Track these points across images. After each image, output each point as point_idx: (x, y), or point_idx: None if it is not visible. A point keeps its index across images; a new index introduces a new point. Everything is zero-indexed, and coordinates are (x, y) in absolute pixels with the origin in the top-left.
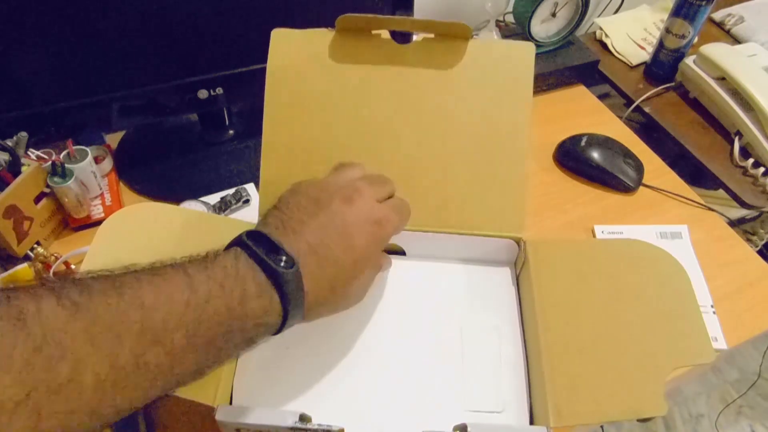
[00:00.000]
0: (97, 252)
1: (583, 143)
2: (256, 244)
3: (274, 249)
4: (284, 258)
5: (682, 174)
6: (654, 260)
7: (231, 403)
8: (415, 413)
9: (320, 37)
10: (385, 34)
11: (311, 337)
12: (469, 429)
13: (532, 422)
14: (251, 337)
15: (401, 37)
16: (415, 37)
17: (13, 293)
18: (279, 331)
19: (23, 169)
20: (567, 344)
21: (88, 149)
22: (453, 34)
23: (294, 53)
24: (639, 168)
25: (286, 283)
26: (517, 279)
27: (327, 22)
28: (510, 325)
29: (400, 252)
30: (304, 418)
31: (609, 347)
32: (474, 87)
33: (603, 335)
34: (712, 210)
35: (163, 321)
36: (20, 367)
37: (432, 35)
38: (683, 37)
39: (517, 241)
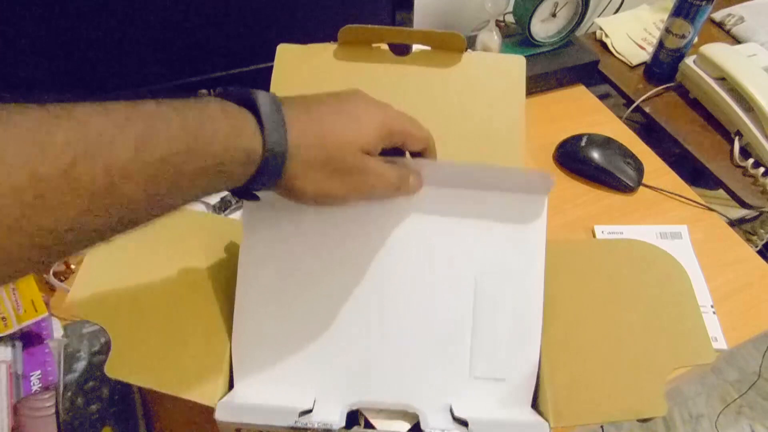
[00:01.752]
0: (96, 251)
1: (583, 143)
2: (225, 89)
3: (246, 90)
4: (260, 94)
5: (682, 174)
6: (654, 260)
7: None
8: (418, 381)
9: (323, 51)
10: (384, 46)
11: (311, 323)
12: (470, 427)
13: (536, 393)
14: (222, 164)
15: (400, 50)
16: (413, 49)
17: None
18: (264, 170)
19: None
20: (567, 344)
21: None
22: (448, 46)
23: (298, 66)
24: (639, 168)
25: (260, 103)
26: None
27: (327, 23)
28: (531, 271)
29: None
30: (304, 413)
31: (609, 347)
32: (470, 95)
33: (603, 335)
34: (712, 210)
35: (99, 133)
36: None
37: (428, 48)
38: (683, 37)
39: None
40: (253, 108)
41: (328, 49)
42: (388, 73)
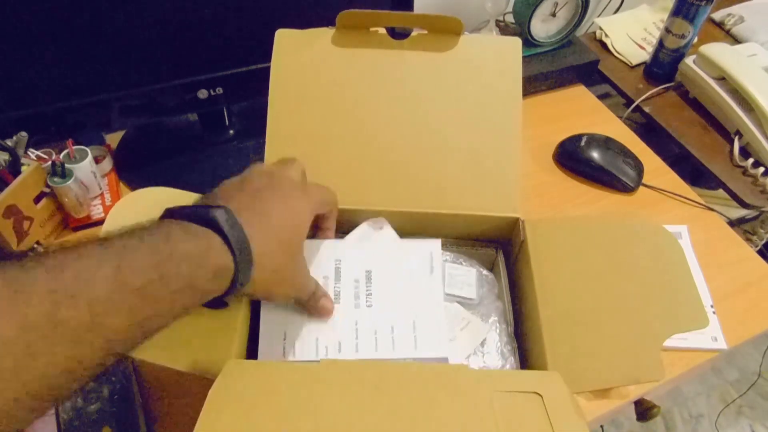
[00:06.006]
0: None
1: (582, 143)
2: (180, 209)
3: (201, 207)
4: (212, 205)
5: (682, 174)
6: (648, 233)
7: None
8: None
9: (322, 35)
10: (382, 30)
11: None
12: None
13: (539, 364)
14: (194, 285)
15: (398, 34)
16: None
17: None
18: (236, 282)
19: (23, 169)
20: (566, 317)
21: (88, 149)
22: (446, 29)
23: (297, 51)
24: (639, 168)
25: (221, 220)
26: (515, 258)
27: (327, 23)
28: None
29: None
30: None
31: (607, 318)
32: (467, 76)
33: (600, 306)
34: (712, 210)
35: (76, 275)
36: None
37: (426, 31)
38: (683, 37)
39: (515, 221)
40: (214, 226)
41: (326, 33)
42: (387, 57)
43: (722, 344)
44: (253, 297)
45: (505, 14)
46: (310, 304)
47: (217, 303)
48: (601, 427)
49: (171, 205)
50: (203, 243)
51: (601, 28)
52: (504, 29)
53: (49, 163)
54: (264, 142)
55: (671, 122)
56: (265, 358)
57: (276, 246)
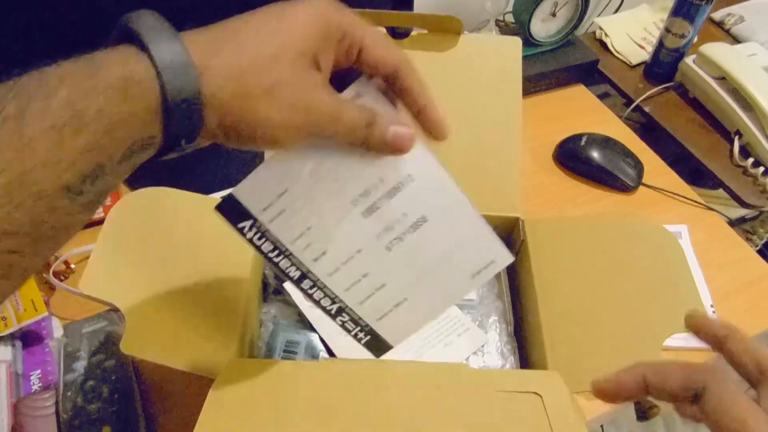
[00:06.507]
0: (109, 231)
1: (582, 143)
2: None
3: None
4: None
5: (682, 174)
6: (647, 233)
7: None
8: None
9: None
10: (382, 30)
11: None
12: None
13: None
14: (87, 111)
15: (398, 34)
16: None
17: None
18: (168, 95)
19: None
20: (566, 317)
21: None
22: (446, 29)
23: None
24: (639, 168)
25: (135, 23)
26: (515, 257)
27: None
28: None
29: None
30: None
31: (607, 318)
32: (467, 76)
33: (600, 306)
34: (712, 210)
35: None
36: None
37: (426, 31)
38: (683, 36)
39: (515, 220)
40: (134, 39)
41: None
42: None
43: None
44: (231, 137)
45: (505, 14)
46: (366, 136)
47: (175, 143)
48: (601, 427)
49: (171, 206)
50: (95, 60)
51: (601, 28)
52: (504, 29)
53: None
54: None
55: (671, 122)
56: (247, 199)
57: (246, 45)
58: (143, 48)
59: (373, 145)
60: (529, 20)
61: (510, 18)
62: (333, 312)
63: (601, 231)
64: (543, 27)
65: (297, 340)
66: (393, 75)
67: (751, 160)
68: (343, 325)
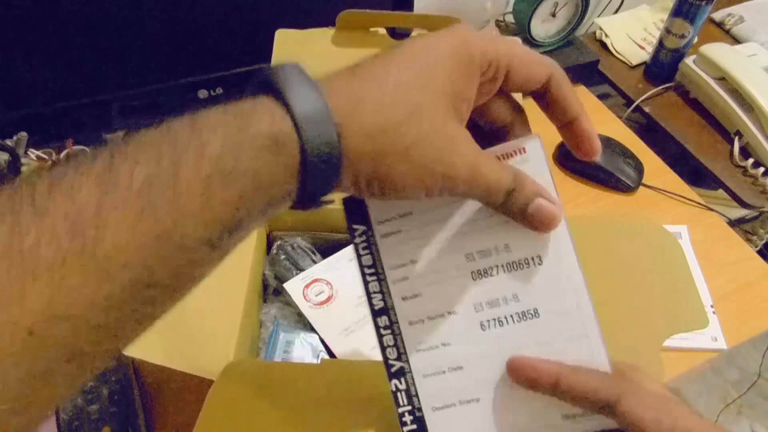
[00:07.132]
0: None
1: None
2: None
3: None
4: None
5: (682, 174)
6: (647, 233)
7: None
8: None
9: (321, 35)
10: (382, 31)
11: None
12: None
13: None
14: (230, 167)
15: (398, 34)
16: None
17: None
18: (307, 151)
19: (23, 169)
20: None
21: (88, 149)
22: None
23: (297, 51)
24: (639, 168)
25: (278, 77)
26: None
27: (327, 23)
28: None
29: None
30: None
31: (606, 318)
32: None
33: (600, 306)
34: (712, 210)
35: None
36: None
37: (426, 31)
38: (683, 37)
39: None
40: (269, 87)
41: (326, 33)
42: None
43: (722, 344)
44: (364, 191)
45: (505, 14)
46: (503, 202)
47: (310, 199)
48: None
49: None
50: (243, 112)
51: (601, 28)
52: (504, 29)
53: (49, 163)
54: None
55: (671, 122)
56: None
57: (385, 99)
58: (284, 102)
59: (511, 214)
60: (529, 21)
61: (510, 18)
62: (393, 370)
63: (601, 231)
64: (543, 27)
65: (297, 341)
66: (543, 88)
67: (751, 160)
68: (394, 394)
